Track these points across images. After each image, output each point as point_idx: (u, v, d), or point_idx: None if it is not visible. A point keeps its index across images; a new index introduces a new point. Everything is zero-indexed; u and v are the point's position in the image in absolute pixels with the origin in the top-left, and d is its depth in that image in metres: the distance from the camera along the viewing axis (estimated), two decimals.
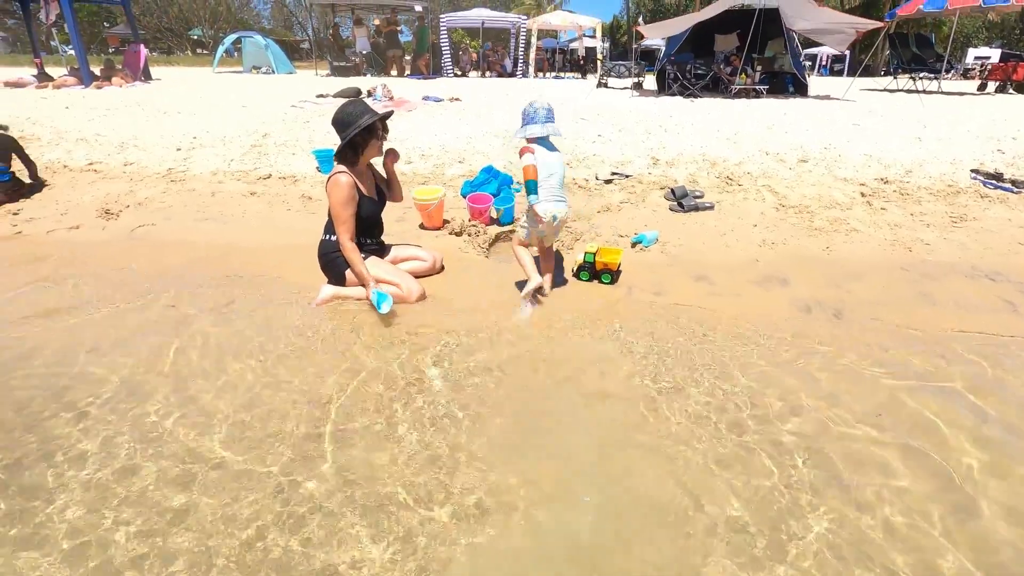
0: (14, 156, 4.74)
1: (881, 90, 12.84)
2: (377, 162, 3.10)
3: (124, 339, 2.56)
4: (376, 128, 2.86)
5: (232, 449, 1.85)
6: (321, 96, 8.90)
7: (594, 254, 3.15)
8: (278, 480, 1.71)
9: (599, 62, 17.39)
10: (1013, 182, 4.91)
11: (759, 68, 10.85)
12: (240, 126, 6.57)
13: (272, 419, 2.00)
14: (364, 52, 15.46)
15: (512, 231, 3.92)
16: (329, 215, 2.91)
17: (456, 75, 16.36)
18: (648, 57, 19.79)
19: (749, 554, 1.48)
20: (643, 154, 5.65)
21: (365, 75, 14.60)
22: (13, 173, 4.68)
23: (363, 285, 2.84)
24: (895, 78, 13.38)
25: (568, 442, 1.92)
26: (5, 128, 4.89)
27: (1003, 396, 2.18)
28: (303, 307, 2.89)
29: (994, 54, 23.73)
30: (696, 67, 10.67)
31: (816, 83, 13.96)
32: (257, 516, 1.58)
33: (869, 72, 19.09)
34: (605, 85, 13.51)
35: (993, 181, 4.97)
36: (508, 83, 13.80)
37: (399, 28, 16.73)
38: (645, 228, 3.98)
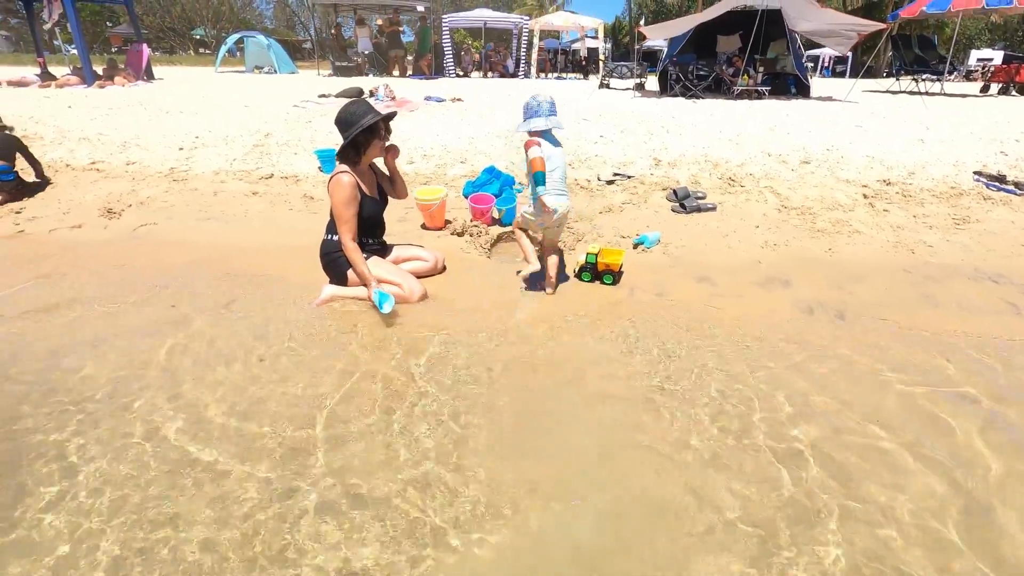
0: (18, 155, 4.75)
1: (884, 92, 12.81)
2: (378, 161, 3.10)
3: (124, 337, 2.56)
4: (379, 128, 2.86)
5: (232, 449, 1.85)
6: (323, 96, 8.91)
7: (596, 255, 3.15)
8: (274, 481, 1.71)
9: (601, 63, 17.40)
10: (1016, 184, 4.90)
11: (761, 69, 10.83)
12: (242, 126, 6.58)
13: (270, 419, 2.00)
14: (366, 52, 15.47)
15: (514, 231, 3.92)
16: (331, 215, 2.91)
17: (458, 75, 16.36)
18: (650, 58, 19.77)
19: (751, 556, 1.47)
20: (645, 155, 5.64)
21: (367, 75, 14.61)
22: (17, 172, 4.69)
23: (365, 285, 2.84)
24: (898, 80, 13.35)
25: (569, 443, 1.92)
26: (10, 128, 4.91)
27: (1017, 398, 2.17)
28: (304, 307, 2.89)
29: (997, 56, 23.67)
30: (698, 68, 10.66)
31: (818, 84, 13.93)
32: (251, 518, 1.58)
33: (871, 74, 19.05)
34: (607, 86, 13.51)
35: (996, 183, 4.96)
36: (510, 83, 13.80)
37: (401, 28, 16.72)
38: (647, 229, 3.97)
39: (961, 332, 2.71)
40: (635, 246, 3.76)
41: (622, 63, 15.02)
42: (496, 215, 4.13)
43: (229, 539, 1.50)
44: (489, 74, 17.60)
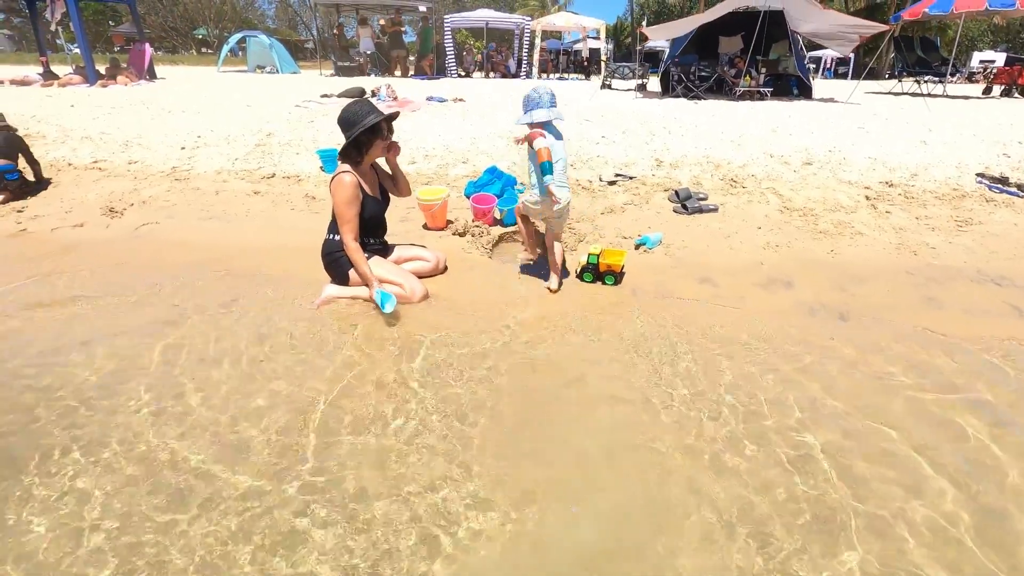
0: (20, 155, 4.76)
1: (886, 93, 12.80)
2: (380, 160, 3.10)
3: (124, 336, 2.56)
4: (381, 128, 2.86)
5: (230, 449, 1.84)
6: (325, 96, 8.91)
7: (598, 256, 3.15)
8: (272, 481, 1.71)
9: (603, 64, 17.39)
10: (1019, 186, 4.89)
11: (763, 70, 10.81)
12: (244, 125, 6.58)
13: (269, 419, 2.00)
14: (368, 52, 15.47)
15: (516, 231, 3.92)
16: (333, 214, 2.91)
17: (460, 76, 16.36)
18: (652, 59, 19.77)
19: (753, 559, 1.47)
20: (647, 156, 5.64)
21: (369, 75, 14.62)
22: (21, 172, 4.70)
23: (366, 285, 2.84)
24: (900, 81, 13.33)
25: (570, 443, 1.91)
26: (14, 129, 4.92)
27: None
28: (306, 307, 2.89)
29: (999, 58, 23.64)
30: (700, 69, 10.64)
31: (820, 86, 13.91)
32: (247, 519, 1.57)
33: (873, 75, 19.03)
34: (609, 87, 13.49)
35: (999, 185, 4.95)
36: (512, 84, 13.80)
37: (403, 28, 16.72)
38: (649, 230, 3.97)
39: (966, 334, 2.70)
40: (637, 247, 3.76)
41: (624, 64, 15.01)
42: (498, 215, 4.13)
43: (227, 539, 1.50)
44: (491, 74, 17.59)
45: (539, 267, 3.39)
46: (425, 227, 4.08)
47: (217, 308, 2.86)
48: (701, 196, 4.62)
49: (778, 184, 4.94)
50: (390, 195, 3.16)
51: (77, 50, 12.88)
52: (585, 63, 20.22)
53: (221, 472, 1.74)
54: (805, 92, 11.09)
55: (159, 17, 36.32)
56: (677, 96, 10.42)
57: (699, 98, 10.14)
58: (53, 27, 12.40)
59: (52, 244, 3.82)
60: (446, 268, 3.37)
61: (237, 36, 21.56)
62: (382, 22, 16.96)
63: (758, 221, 4.23)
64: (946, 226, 4.20)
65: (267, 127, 6.51)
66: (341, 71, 15.10)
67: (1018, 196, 4.75)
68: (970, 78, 21.67)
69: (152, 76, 12.32)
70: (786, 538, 1.53)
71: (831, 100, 10.70)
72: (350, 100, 3.02)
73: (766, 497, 1.67)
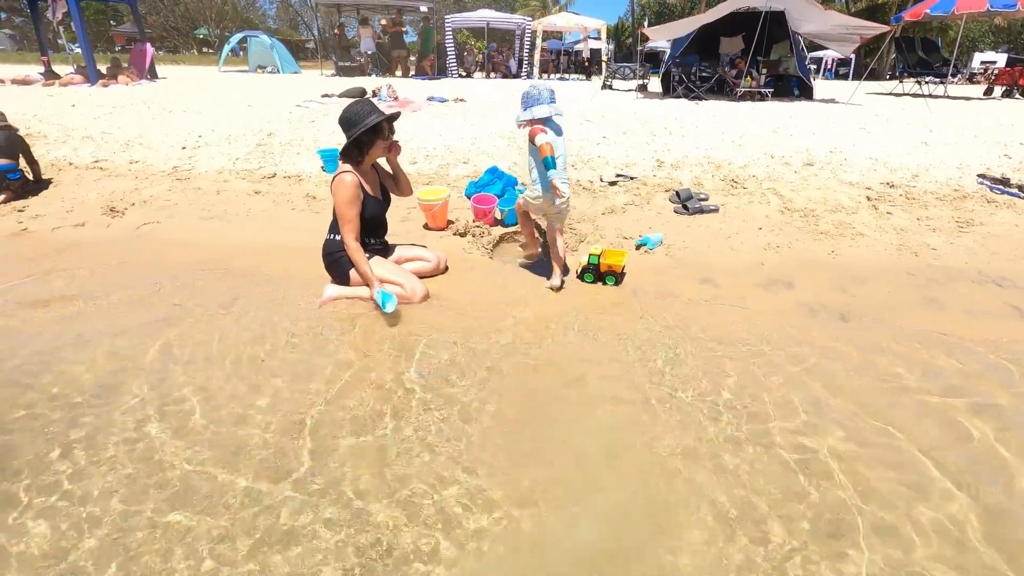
0: (20, 155, 4.77)
1: (887, 94, 12.80)
2: (381, 160, 3.10)
3: (123, 335, 2.56)
4: (382, 128, 2.86)
5: (231, 447, 1.84)
6: (326, 96, 8.91)
7: (598, 256, 3.15)
8: (271, 482, 1.71)
9: (604, 64, 17.39)
10: (1020, 187, 4.89)
11: (764, 71, 10.81)
12: (245, 125, 6.58)
13: (269, 419, 2.00)
14: (369, 52, 15.47)
15: (517, 231, 3.92)
16: (334, 214, 2.91)
17: (461, 76, 16.36)
18: (653, 59, 19.78)
19: (754, 558, 1.47)
20: (648, 156, 5.63)
21: (370, 75, 14.62)
22: (23, 171, 4.71)
23: (367, 285, 2.84)
24: (901, 82, 13.34)
25: (571, 444, 1.91)
26: (15, 129, 4.93)
27: None
28: (306, 307, 2.89)
29: (1000, 59, 23.64)
30: (701, 69, 10.64)
31: (821, 86, 13.91)
32: (246, 519, 1.57)
33: (874, 76, 19.03)
34: (610, 87, 13.49)
35: (1000, 186, 4.95)
36: (513, 84, 13.79)
37: (404, 29, 16.73)
38: (650, 230, 3.97)
39: (967, 335, 2.70)
40: (638, 247, 3.76)
41: (625, 64, 15.02)
42: (499, 216, 4.12)
43: (226, 539, 1.50)
44: (492, 75, 17.59)
45: (540, 267, 3.39)
46: (426, 227, 4.08)
47: (217, 308, 2.86)
48: (702, 197, 4.62)
49: (779, 185, 4.94)
50: (391, 195, 3.16)
51: (78, 50, 12.88)
52: (586, 63, 20.23)
53: (220, 472, 1.74)
54: (806, 93, 11.09)
55: (160, 17, 36.33)
56: (678, 97, 10.42)
57: (700, 99, 10.14)
58: (52, 23, 12.39)
59: (53, 243, 3.82)
60: (447, 268, 3.37)
61: (238, 36, 21.55)
62: (383, 22, 16.96)
63: (759, 222, 4.23)
64: (947, 227, 4.20)
65: (268, 127, 6.52)
66: (342, 71, 15.10)
67: (1019, 197, 4.74)
68: (971, 79, 21.67)
69: (153, 76, 12.32)
70: (787, 539, 1.53)
71: (832, 101, 10.69)
72: (351, 100, 3.02)
73: (767, 497, 1.67)
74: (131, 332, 2.60)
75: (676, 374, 2.32)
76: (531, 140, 2.82)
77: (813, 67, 20.22)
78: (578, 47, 22.38)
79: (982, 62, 24.38)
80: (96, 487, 1.67)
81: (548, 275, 3.20)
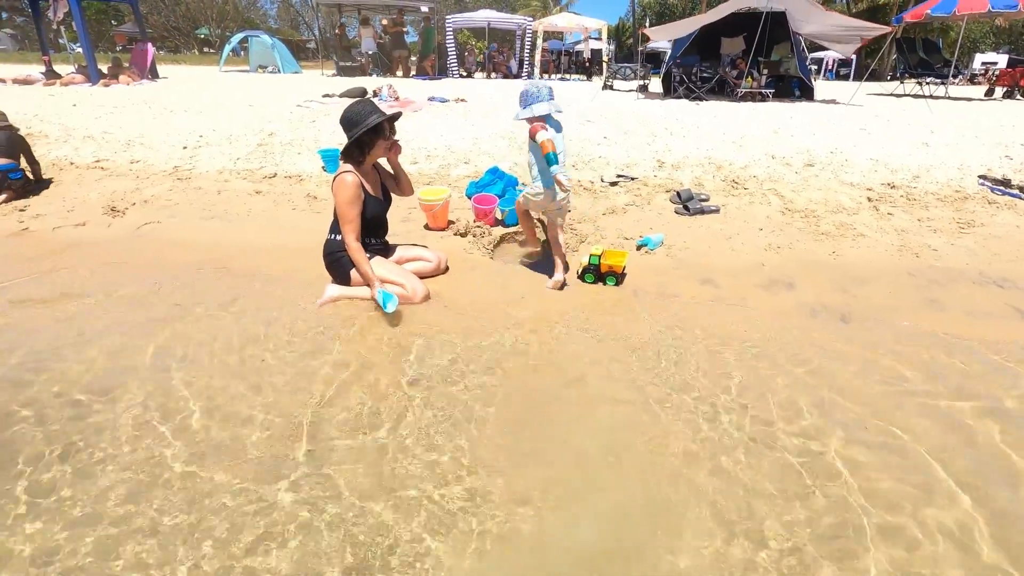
0: (21, 155, 4.77)
1: (888, 95, 12.80)
2: (382, 160, 3.10)
3: (124, 334, 2.56)
4: (384, 128, 2.86)
5: (230, 447, 1.84)
6: (327, 96, 8.91)
7: (599, 256, 3.14)
8: (270, 481, 1.71)
9: (604, 64, 17.39)
10: (1021, 188, 4.88)
11: (765, 71, 10.81)
12: (246, 125, 6.59)
13: (269, 418, 2.00)
14: (370, 52, 15.48)
15: (517, 231, 3.92)
16: (335, 214, 2.91)
17: (461, 76, 16.37)
18: (654, 60, 19.79)
19: (754, 559, 1.47)
20: (648, 157, 5.63)
21: (371, 75, 14.62)
22: (24, 171, 4.71)
23: (368, 285, 2.84)
24: (902, 83, 13.33)
25: (571, 444, 1.91)
26: (16, 128, 4.93)
27: None
28: (307, 307, 2.89)
29: (1001, 60, 23.65)
30: (702, 70, 10.64)
31: (822, 87, 13.91)
32: (244, 518, 1.57)
33: (875, 76, 19.02)
34: (611, 87, 13.49)
35: (1001, 187, 4.95)
36: (514, 84, 13.80)
37: (405, 29, 16.74)
38: (650, 231, 3.97)
39: (969, 336, 2.70)
40: (638, 248, 3.75)
41: (625, 64, 15.02)
42: (499, 216, 4.12)
43: (223, 537, 1.50)
44: (493, 75, 17.60)
45: (540, 267, 3.39)
46: (426, 227, 4.08)
47: (217, 307, 2.87)
48: (703, 197, 4.61)
49: (780, 185, 4.94)
50: (392, 195, 3.17)
51: (79, 49, 12.89)
52: (587, 64, 20.23)
53: (219, 472, 1.73)
54: (807, 93, 11.09)
55: (161, 17, 36.37)
56: (679, 97, 10.42)
57: (701, 99, 10.14)
58: (54, 23, 12.40)
59: (54, 243, 3.82)
60: (447, 268, 3.37)
61: (239, 36, 21.55)
62: (384, 22, 16.96)
63: (760, 222, 4.23)
64: (948, 228, 4.19)
65: (269, 127, 6.52)
66: (343, 71, 15.10)
67: (1020, 198, 4.74)
68: (972, 80, 21.67)
69: (154, 75, 12.33)
70: (788, 539, 1.53)
71: (833, 101, 10.69)
72: (352, 100, 3.02)
73: (767, 498, 1.67)
74: (131, 332, 2.59)
75: (676, 374, 2.32)
76: (531, 137, 2.84)
77: (814, 68, 20.21)
78: (579, 47, 22.39)
79: (983, 63, 24.38)
80: (94, 486, 1.66)
81: (548, 275, 3.21)
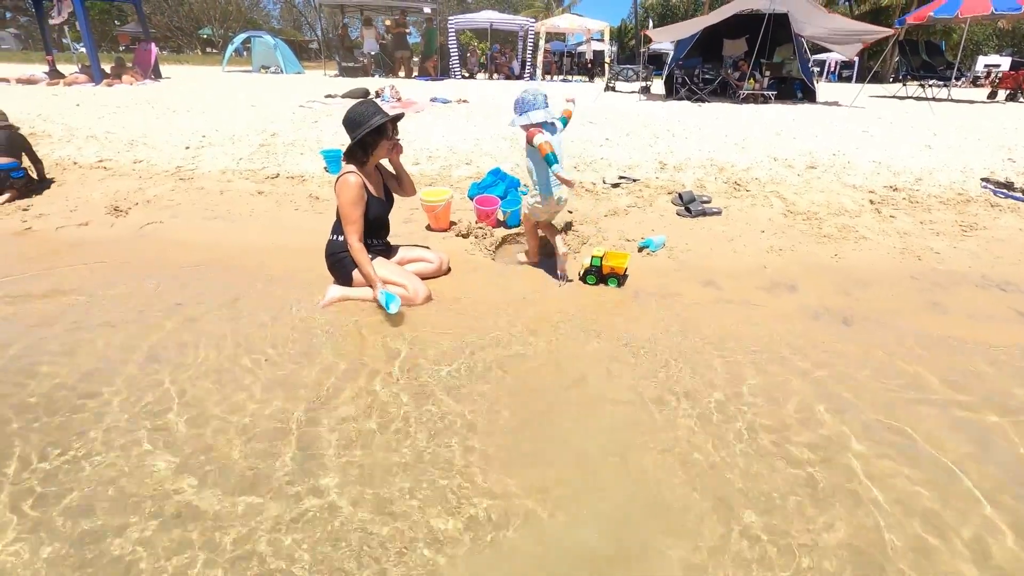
0: (23, 154, 4.78)
1: (890, 97, 12.79)
2: (384, 160, 3.10)
3: (125, 335, 2.56)
4: (386, 129, 2.87)
5: (229, 447, 1.85)
6: (329, 96, 8.93)
7: (601, 258, 3.15)
8: (270, 484, 1.70)
9: (607, 66, 17.40)
10: None
11: (767, 73, 10.81)
12: (249, 125, 6.60)
13: (270, 420, 2.00)
14: (372, 53, 15.51)
15: (520, 233, 3.92)
16: (337, 215, 2.91)
17: (464, 77, 16.39)
18: (656, 61, 19.75)
19: (755, 559, 1.46)
20: (650, 158, 5.63)
21: (373, 76, 14.65)
22: (26, 170, 4.73)
23: (370, 286, 2.84)
24: (904, 85, 13.32)
25: (572, 445, 1.91)
26: (16, 127, 4.95)
27: None
28: (309, 307, 2.89)
29: (1004, 62, 23.61)
30: (704, 72, 10.65)
31: (824, 89, 13.91)
32: (243, 518, 1.57)
33: (878, 79, 19.01)
34: (613, 89, 13.50)
35: (1004, 190, 4.93)
36: (516, 85, 13.81)
37: (407, 30, 16.77)
38: (652, 233, 3.96)
39: (972, 339, 2.69)
40: (640, 249, 3.75)
41: (628, 66, 15.03)
42: (501, 217, 4.13)
43: (220, 540, 1.50)
44: (495, 76, 17.62)
45: (542, 268, 3.40)
46: (428, 228, 4.09)
47: (219, 308, 2.87)
48: (705, 199, 4.61)
49: (782, 187, 4.93)
50: (394, 196, 3.17)
51: (83, 49, 12.94)
52: (589, 65, 20.25)
53: (218, 472, 1.74)
54: (809, 95, 11.08)
55: (164, 17, 36.47)
56: (681, 99, 10.42)
57: (703, 101, 10.14)
58: (57, 23, 12.44)
59: (57, 242, 3.83)
60: (449, 269, 3.37)
61: (242, 36, 21.61)
62: (387, 23, 16.99)
63: (762, 224, 4.22)
64: (951, 231, 4.19)
65: (271, 127, 6.53)
66: (345, 72, 15.13)
67: (1023, 201, 4.73)
68: (975, 82, 21.64)
69: (157, 75, 12.37)
70: (789, 540, 1.52)
71: (835, 104, 10.68)
72: (355, 101, 3.03)
73: (767, 498, 1.66)
74: (130, 332, 2.60)
75: (677, 375, 2.32)
76: (529, 142, 2.88)
77: (816, 70, 20.19)
78: (581, 49, 22.39)
79: (986, 65, 24.36)
80: (84, 488, 1.66)
81: (550, 276, 3.22)
